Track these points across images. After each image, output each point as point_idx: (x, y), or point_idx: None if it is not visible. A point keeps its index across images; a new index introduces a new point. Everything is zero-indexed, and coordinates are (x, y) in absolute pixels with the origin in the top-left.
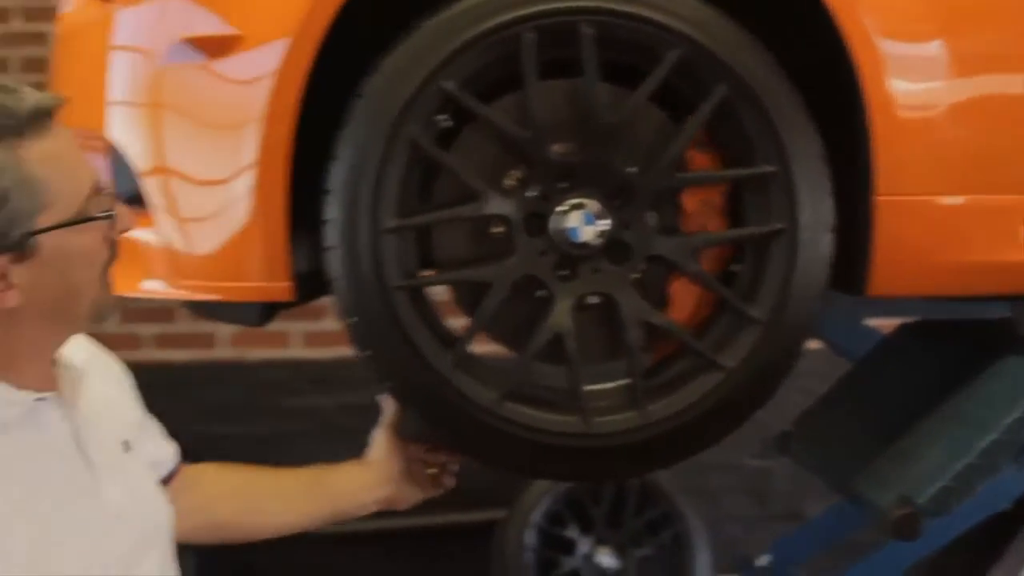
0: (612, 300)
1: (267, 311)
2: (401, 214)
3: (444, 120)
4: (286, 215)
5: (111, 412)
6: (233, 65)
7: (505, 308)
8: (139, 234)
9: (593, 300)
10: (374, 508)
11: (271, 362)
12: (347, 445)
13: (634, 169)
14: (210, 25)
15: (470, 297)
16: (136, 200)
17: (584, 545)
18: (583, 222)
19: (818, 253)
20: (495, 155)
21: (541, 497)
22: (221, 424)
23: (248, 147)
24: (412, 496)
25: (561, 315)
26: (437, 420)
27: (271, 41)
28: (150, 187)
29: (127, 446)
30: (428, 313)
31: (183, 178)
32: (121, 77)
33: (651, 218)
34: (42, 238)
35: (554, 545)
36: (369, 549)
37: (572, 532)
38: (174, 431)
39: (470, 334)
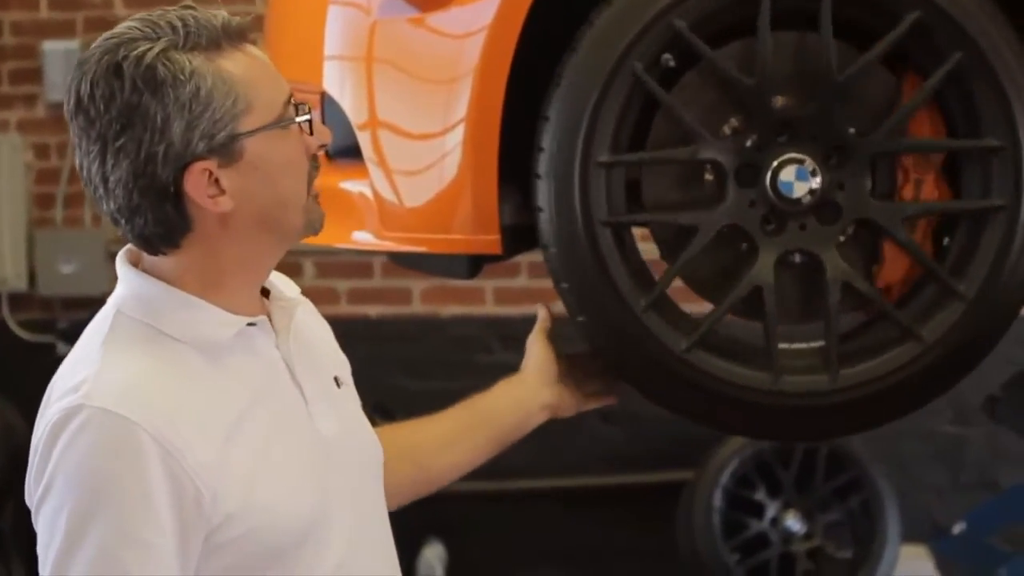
0: (816, 260)
1: (474, 264)
2: (615, 150)
3: (668, 60)
4: (496, 169)
5: (322, 347)
6: (446, 19)
7: (707, 256)
8: (352, 185)
9: (796, 258)
10: (539, 418)
11: (463, 318)
12: None
13: (854, 129)
14: None
15: (673, 242)
16: (351, 152)
17: (772, 509)
18: (796, 177)
19: None
20: (714, 102)
21: (730, 459)
22: (414, 379)
23: (461, 101)
24: (574, 404)
25: (764, 269)
26: (624, 360)
27: None
28: (363, 140)
29: (338, 382)
30: (629, 254)
31: (395, 131)
32: (336, 31)
33: (865, 180)
34: (247, 142)
35: (741, 508)
36: (556, 508)
37: (760, 495)
38: (368, 385)
39: (668, 277)
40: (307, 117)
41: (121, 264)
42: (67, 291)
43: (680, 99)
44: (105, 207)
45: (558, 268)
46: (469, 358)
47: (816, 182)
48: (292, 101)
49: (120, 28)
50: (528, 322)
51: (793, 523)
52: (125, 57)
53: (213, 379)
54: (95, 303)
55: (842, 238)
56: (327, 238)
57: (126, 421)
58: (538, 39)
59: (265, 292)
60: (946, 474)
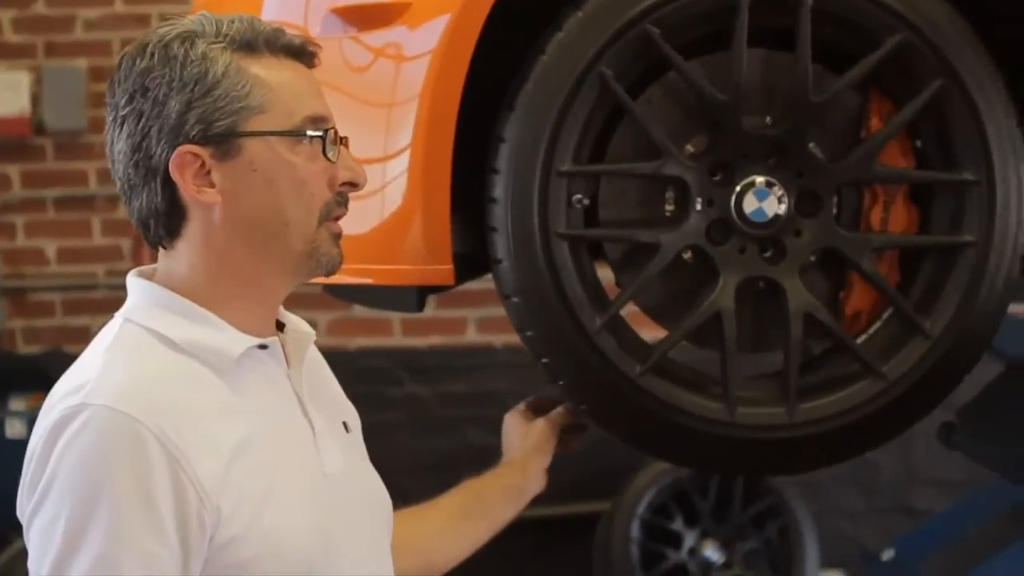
0: (778, 287)
1: (422, 296)
2: (576, 160)
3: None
4: (449, 196)
5: (331, 389)
6: (388, 39)
7: (663, 279)
8: None
9: (756, 285)
10: (529, 497)
11: (371, 350)
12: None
13: (824, 154)
14: None
15: (628, 262)
16: None
17: (690, 538)
18: (762, 201)
19: (1006, 272)
20: (680, 118)
21: (646, 489)
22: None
23: (405, 126)
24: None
25: (724, 294)
26: (572, 381)
27: (435, 15)
28: None
29: (347, 427)
30: (585, 271)
31: None
32: None
33: (832, 207)
34: (248, 142)
35: (659, 538)
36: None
37: (677, 525)
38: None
39: (623, 297)
40: (319, 134)
41: (132, 277)
42: None
43: (646, 112)
44: (118, 186)
45: (509, 281)
46: (380, 391)
47: (782, 207)
48: (324, 124)
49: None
50: (437, 353)
51: (711, 552)
52: (155, 36)
53: (221, 395)
54: None
55: (806, 266)
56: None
57: (130, 419)
58: (492, 60)
59: (281, 327)
60: (861, 497)
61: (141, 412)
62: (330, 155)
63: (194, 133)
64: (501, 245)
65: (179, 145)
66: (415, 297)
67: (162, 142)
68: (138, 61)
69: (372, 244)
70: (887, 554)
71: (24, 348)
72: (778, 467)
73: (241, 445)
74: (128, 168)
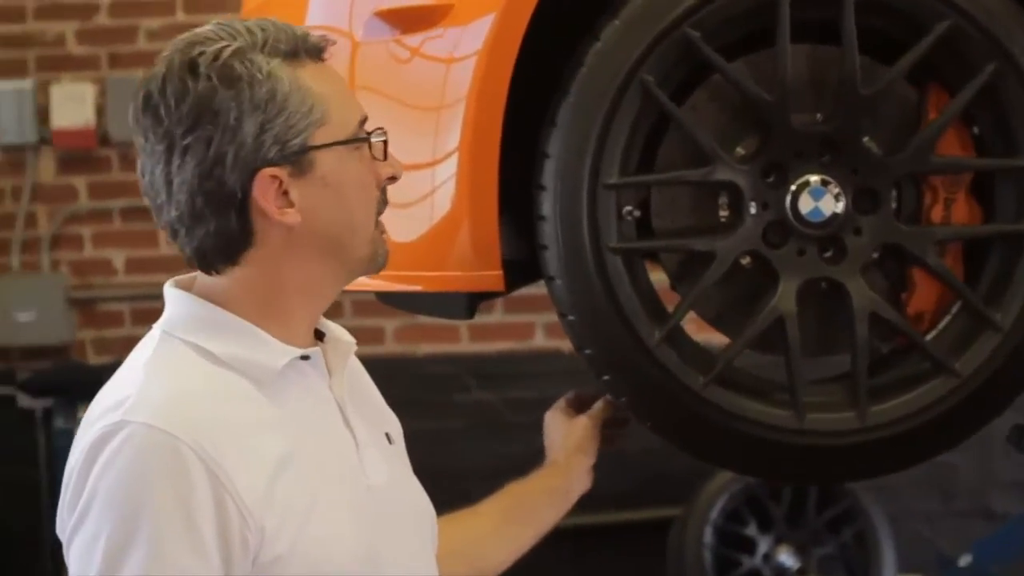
0: (841, 288)
1: (472, 302)
2: (624, 171)
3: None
4: (496, 200)
5: (373, 399)
6: (434, 41)
7: (722, 286)
8: None
9: (819, 287)
10: (574, 499)
11: (439, 356)
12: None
13: (879, 148)
14: None
15: (685, 271)
16: None
17: (764, 544)
18: (818, 200)
19: None
20: (728, 121)
21: (719, 494)
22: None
23: (453, 130)
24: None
25: (785, 298)
26: (634, 396)
27: (479, 15)
28: None
29: (389, 438)
30: (641, 283)
31: None
32: None
33: (891, 203)
34: (320, 155)
35: (732, 544)
36: (540, 548)
37: (751, 531)
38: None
39: (682, 309)
40: (383, 138)
41: (170, 288)
42: (25, 340)
43: (692, 117)
44: (164, 216)
45: (564, 299)
46: (446, 397)
47: (839, 206)
48: (365, 124)
49: (194, 31)
50: (504, 359)
51: (786, 558)
52: (201, 53)
53: (263, 409)
54: (55, 352)
55: (868, 264)
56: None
57: (171, 437)
58: (537, 60)
59: (320, 335)
60: (938, 501)
61: (181, 429)
62: (380, 154)
63: (272, 155)
64: (553, 263)
65: (258, 169)
66: (465, 304)
67: (237, 168)
68: (190, 83)
69: (421, 251)
70: (964, 559)
71: (95, 359)
72: (850, 473)
73: (284, 459)
74: (195, 198)
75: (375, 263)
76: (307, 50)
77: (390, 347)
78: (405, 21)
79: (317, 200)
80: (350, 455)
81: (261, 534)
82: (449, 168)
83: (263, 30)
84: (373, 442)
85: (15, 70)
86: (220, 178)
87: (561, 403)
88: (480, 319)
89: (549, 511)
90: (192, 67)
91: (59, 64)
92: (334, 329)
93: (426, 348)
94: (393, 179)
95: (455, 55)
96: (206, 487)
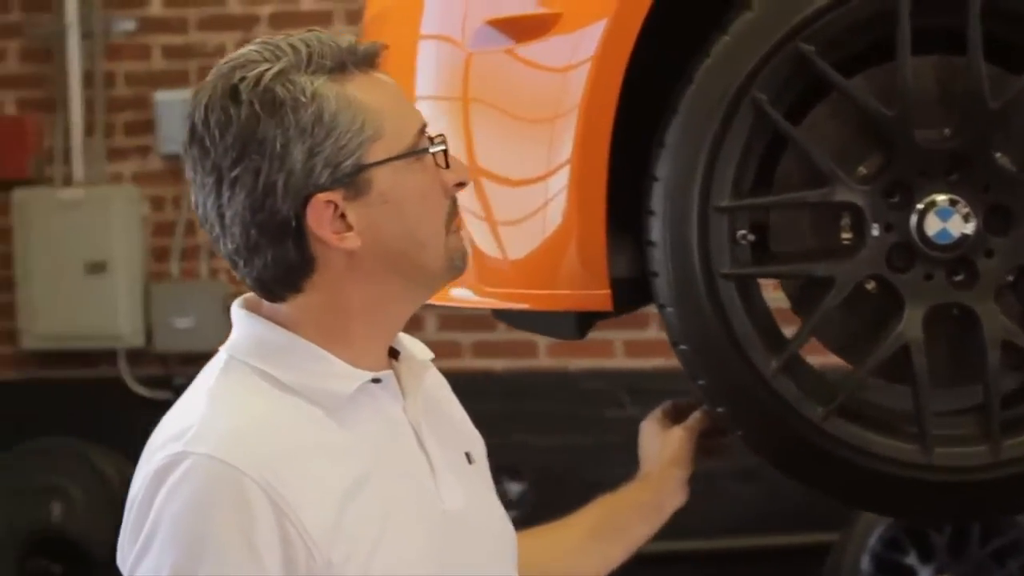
0: (971, 314)
1: (583, 322)
2: (736, 194)
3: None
4: (605, 216)
5: (453, 420)
6: (546, 49)
7: (844, 311)
8: None
9: (947, 313)
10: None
11: (592, 372)
12: None
13: (1012, 164)
14: (518, 5)
15: (806, 295)
16: None
17: (924, 574)
18: (946, 221)
19: None
20: (850, 138)
21: (878, 521)
22: (542, 435)
23: (565, 141)
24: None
25: (911, 325)
26: (750, 430)
27: (589, 22)
28: None
29: (469, 458)
30: (756, 309)
31: (492, 176)
32: (427, 67)
33: None
34: (376, 173)
35: (891, 573)
36: (693, 571)
37: (911, 560)
38: (494, 443)
39: (801, 336)
40: (442, 147)
41: (236, 309)
42: (184, 346)
43: (810, 136)
44: (222, 248)
45: (675, 328)
46: (599, 413)
47: (969, 226)
48: (425, 131)
49: (238, 52)
50: (659, 376)
51: None
52: (242, 79)
53: (331, 436)
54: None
55: (1000, 288)
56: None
57: (233, 470)
58: (648, 78)
59: (395, 353)
60: None
61: (245, 462)
62: (442, 162)
63: (323, 179)
64: (663, 290)
65: (311, 195)
66: (574, 323)
67: (289, 196)
68: (232, 112)
69: (529, 268)
70: None
71: None
72: (981, 511)
73: (353, 488)
74: (249, 230)
75: (452, 271)
76: (356, 61)
77: (543, 361)
78: (515, 30)
79: (378, 219)
80: (424, 479)
81: (328, 567)
82: (560, 181)
83: (307, 46)
84: (450, 465)
85: (178, 80)
86: (272, 208)
87: (657, 413)
88: (634, 335)
89: (640, 526)
90: (234, 94)
91: None
92: (409, 347)
93: (579, 363)
94: (461, 185)
95: (565, 64)
96: (270, 520)
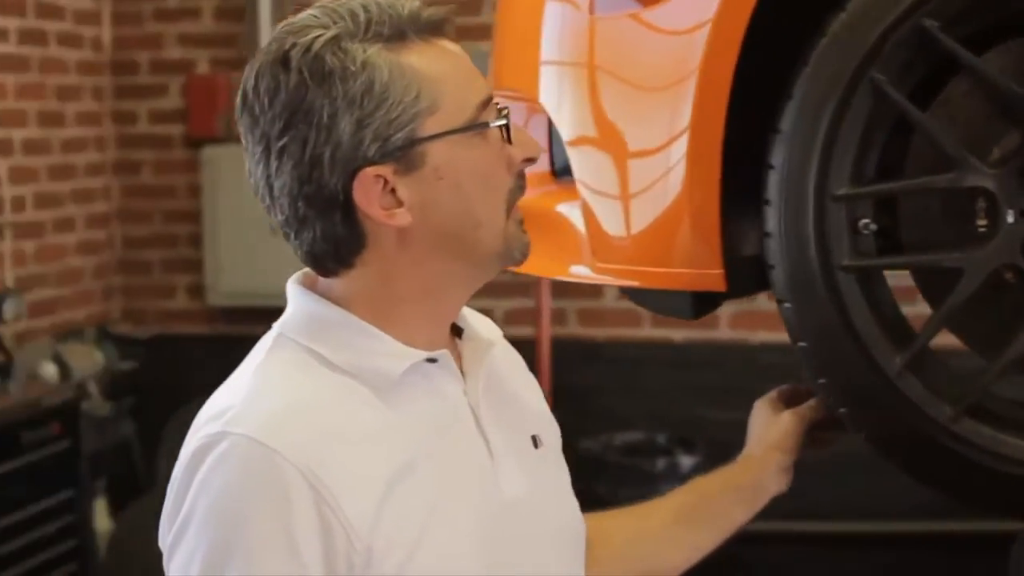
0: None
1: (701, 302)
2: (856, 180)
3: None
4: (719, 191)
5: (522, 401)
6: (669, 12)
7: (978, 303)
8: (567, 209)
9: None
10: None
11: (774, 345)
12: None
13: None
14: None
15: (937, 287)
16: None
17: None
18: None
19: None
20: (984, 119)
21: None
22: (717, 409)
23: (684, 107)
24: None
25: None
26: (875, 432)
27: None
28: (574, 158)
29: (536, 441)
30: (880, 303)
31: (609, 146)
32: (551, 32)
33: None
34: (430, 148)
35: None
36: (864, 554)
37: None
38: (668, 414)
39: (929, 331)
40: (503, 122)
41: (291, 285)
42: None
43: (938, 117)
44: (274, 218)
45: (794, 324)
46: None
47: None
48: (492, 104)
49: (298, 16)
50: None
51: None
52: (293, 45)
53: (380, 418)
54: None
55: None
56: (543, 269)
57: (271, 452)
58: (768, 36)
59: (460, 332)
60: None
61: (285, 445)
62: (512, 138)
63: (372, 153)
64: (781, 284)
65: (358, 169)
66: (689, 303)
67: (336, 169)
68: (282, 79)
69: (643, 244)
70: None
71: None
72: None
73: (400, 472)
74: (297, 202)
75: (509, 257)
76: (419, 29)
77: (724, 332)
78: None
79: (431, 196)
80: (481, 466)
81: (368, 554)
82: (676, 152)
83: (367, 12)
84: (512, 450)
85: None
86: (320, 181)
87: (773, 394)
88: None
89: (734, 510)
90: (284, 61)
91: (479, 32)
92: (475, 325)
93: (760, 336)
94: (529, 161)
95: (685, 27)
96: (308, 505)
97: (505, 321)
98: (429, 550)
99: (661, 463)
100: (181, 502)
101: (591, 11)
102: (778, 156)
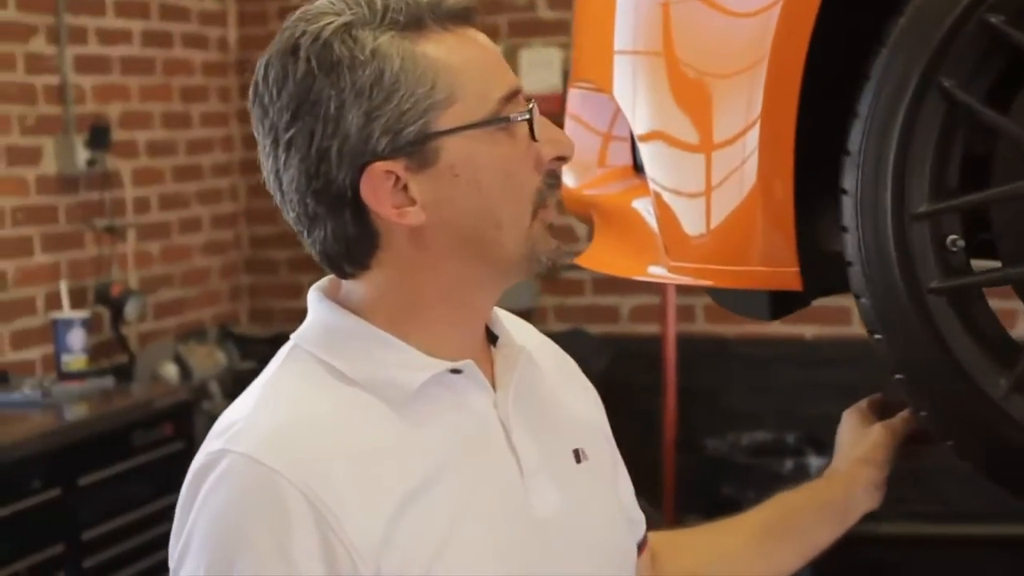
0: None
1: (778, 303)
2: (937, 194)
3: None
4: (792, 182)
5: (565, 410)
6: None
7: None
8: (644, 207)
9: None
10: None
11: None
12: None
13: None
14: None
15: None
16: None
17: None
18: None
19: None
20: None
21: None
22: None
23: (756, 94)
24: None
25: None
26: (983, 461)
27: None
28: (645, 153)
29: (579, 456)
30: (979, 322)
31: (674, 139)
32: (623, 20)
33: None
34: (445, 143)
35: None
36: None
37: None
38: (798, 413)
39: None
40: (526, 116)
41: (313, 292)
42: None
43: (1012, 120)
44: (287, 216)
45: (888, 355)
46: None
47: None
48: (519, 98)
49: (316, 3)
50: None
51: None
52: (303, 33)
53: (394, 434)
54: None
55: None
56: (622, 269)
57: (270, 472)
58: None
59: (496, 339)
60: None
61: (286, 463)
62: (537, 134)
63: (382, 147)
64: (869, 315)
65: (367, 164)
66: (767, 304)
67: (344, 164)
68: (290, 68)
69: (715, 241)
70: None
71: (555, 325)
72: None
73: (414, 492)
74: (306, 198)
75: (536, 264)
76: (440, 16)
77: (856, 329)
78: None
79: (446, 193)
80: (510, 483)
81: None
82: (748, 143)
83: None
84: (548, 465)
85: (489, 34)
86: (328, 176)
87: (863, 404)
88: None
89: (820, 529)
90: (294, 49)
91: (530, 29)
92: (511, 330)
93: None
94: (561, 160)
95: (755, 8)
96: (310, 526)
97: (630, 318)
98: (446, 570)
99: (790, 464)
100: (184, 522)
101: None
102: (849, 179)
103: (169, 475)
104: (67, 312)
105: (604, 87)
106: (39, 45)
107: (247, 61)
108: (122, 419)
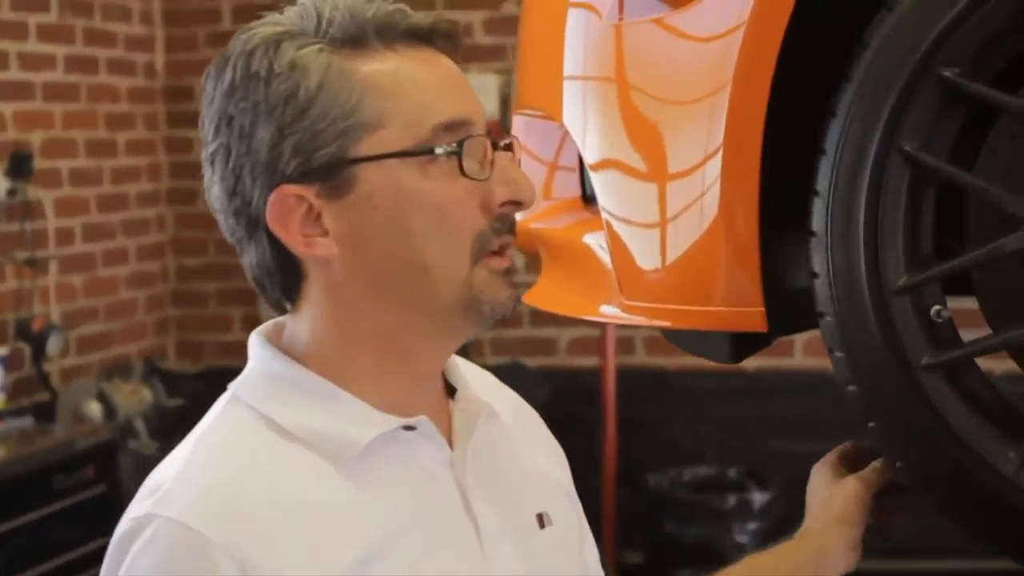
0: None
1: (739, 345)
2: (915, 263)
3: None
4: (757, 215)
5: (526, 471)
6: (699, 16)
7: None
8: (596, 242)
9: None
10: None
11: None
12: None
13: None
14: None
15: None
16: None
17: None
18: None
19: None
20: None
21: None
22: (792, 440)
23: (709, 125)
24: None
25: None
26: (996, 536)
27: None
28: (597, 183)
29: (543, 521)
30: (978, 392)
31: (629, 168)
32: (573, 44)
33: None
34: (363, 170)
35: None
36: None
37: None
38: (740, 446)
39: None
40: (451, 149)
41: (254, 337)
42: None
43: (990, 171)
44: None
45: (887, 443)
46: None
47: None
48: (466, 127)
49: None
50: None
51: None
52: (240, 42)
53: (338, 496)
54: None
55: None
56: (572, 308)
57: (201, 539)
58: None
59: (454, 390)
60: None
61: (216, 528)
62: (469, 171)
63: (291, 169)
64: (862, 406)
65: (275, 187)
66: (727, 345)
67: (257, 184)
68: (219, 79)
69: (673, 277)
70: None
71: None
72: None
73: (362, 562)
74: (228, 218)
75: (479, 314)
76: (389, 35)
77: (798, 361)
78: None
79: (362, 227)
80: (469, 553)
81: None
82: (708, 175)
83: (334, 9)
84: (508, 531)
85: None
86: (243, 196)
87: (832, 456)
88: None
89: None
90: (226, 60)
91: (467, 55)
92: (470, 382)
93: (756, 362)
94: (515, 205)
95: (717, 32)
96: None
97: (569, 351)
98: None
99: (732, 500)
100: None
101: (612, 17)
102: (818, 262)
103: (92, 520)
104: None
105: (553, 114)
106: None
107: (175, 87)
108: (42, 461)
